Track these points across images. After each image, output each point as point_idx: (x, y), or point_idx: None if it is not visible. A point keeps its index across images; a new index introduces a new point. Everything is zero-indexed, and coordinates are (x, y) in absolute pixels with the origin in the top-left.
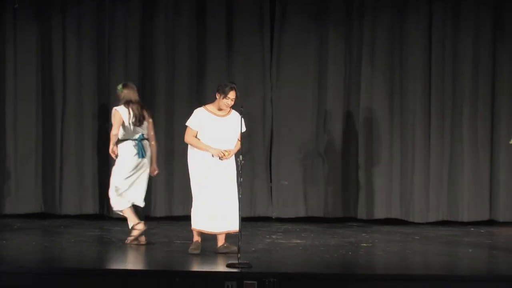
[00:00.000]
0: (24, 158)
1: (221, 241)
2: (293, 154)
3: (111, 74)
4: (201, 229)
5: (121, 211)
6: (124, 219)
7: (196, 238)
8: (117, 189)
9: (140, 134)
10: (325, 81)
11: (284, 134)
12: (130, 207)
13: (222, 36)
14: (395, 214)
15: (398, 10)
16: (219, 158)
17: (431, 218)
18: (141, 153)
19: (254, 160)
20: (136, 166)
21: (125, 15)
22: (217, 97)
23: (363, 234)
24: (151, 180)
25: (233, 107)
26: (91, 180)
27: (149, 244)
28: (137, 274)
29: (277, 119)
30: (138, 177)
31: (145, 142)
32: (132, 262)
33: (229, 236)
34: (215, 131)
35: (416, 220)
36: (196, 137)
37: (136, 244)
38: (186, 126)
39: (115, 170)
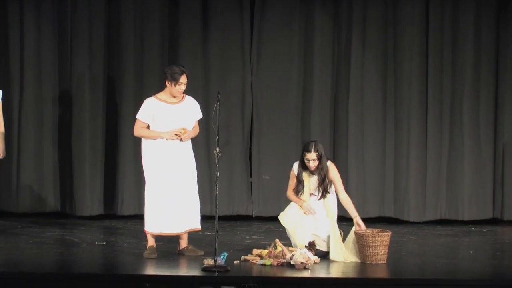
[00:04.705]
0: None
1: (184, 243)
2: (275, 146)
3: (73, 58)
4: (156, 232)
5: None
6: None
7: (151, 242)
8: None
9: None
10: (310, 66)
11: (265, 124)
12: None
13: (197, 13)
14: (389, 212)
15: None
16: (180, 140)
17: (428, 217)
18: None
19: (233, 153)
20: None
21: None
22: (167, 85)
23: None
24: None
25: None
26: (52, 174)
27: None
28: (102, 279)
29: (257, 107)
30: None
31: None
32: (97, 265)
33: (198, 238)
34: (169, 120)
35: (411, 219)
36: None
37: None
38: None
39: None
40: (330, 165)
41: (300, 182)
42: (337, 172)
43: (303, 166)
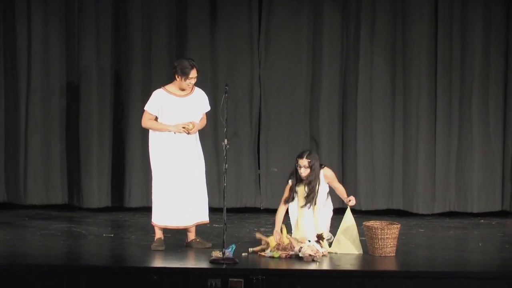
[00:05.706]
0: None
1: (192, 235)
2: (283, 139)
3: (81, 53)
4: (164, 225)
5: None
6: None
7: (159, 235)
8: None
9: None
10: (319, 60)
11: (274, 116)
12: None
13: (205, 7)
14: (398, 205)
15: None
16: (188, 133)
17: (437, 209)
18: None
19: (241, 145)
20: None
21: None
22: (177, 78)
23: (361, 227)
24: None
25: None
26: (59, 166)
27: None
28: (110, 271)
29: (266, 100)
30: None
31: None
32: (105, 257)
33: (206, 230)
34: (177, 113)
35: (420, 212)
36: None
37: None
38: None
39: None
40: (325, 169)
41: (292, 190)
42: (332, 173)
43: (297, 177)
